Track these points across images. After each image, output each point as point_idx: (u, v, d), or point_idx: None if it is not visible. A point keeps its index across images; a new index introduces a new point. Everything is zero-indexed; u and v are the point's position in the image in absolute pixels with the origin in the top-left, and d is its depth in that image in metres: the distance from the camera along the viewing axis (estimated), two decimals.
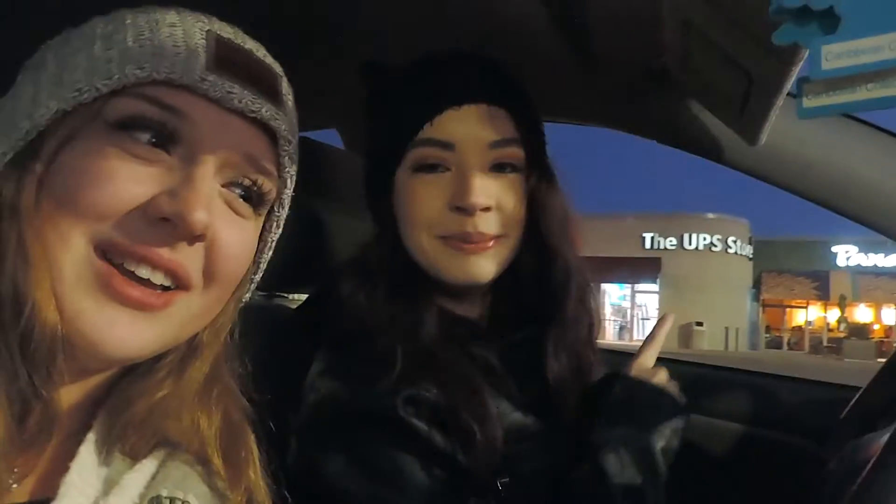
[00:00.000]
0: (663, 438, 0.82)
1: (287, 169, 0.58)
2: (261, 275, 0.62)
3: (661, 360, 1.53)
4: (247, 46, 0.55)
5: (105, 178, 0.47)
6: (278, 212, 0.60)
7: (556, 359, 0.87)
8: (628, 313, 30.99)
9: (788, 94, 0.78)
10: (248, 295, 0.62)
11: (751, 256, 29.07)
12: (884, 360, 1.01)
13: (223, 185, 0.53)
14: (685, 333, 27.11)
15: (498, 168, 0.82)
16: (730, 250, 27.83)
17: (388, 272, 0.82)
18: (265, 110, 0.53)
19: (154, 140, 0.50)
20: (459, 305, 0.87)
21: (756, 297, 29.91)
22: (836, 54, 0.41)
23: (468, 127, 0.79)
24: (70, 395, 0.51)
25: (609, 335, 30.24)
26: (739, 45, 0.77)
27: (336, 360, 0.77)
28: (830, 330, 29.55)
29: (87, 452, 0.51)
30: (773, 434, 1.26)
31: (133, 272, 0.48)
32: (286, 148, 0.57)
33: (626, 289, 30.51)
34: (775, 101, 0.80)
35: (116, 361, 0.51)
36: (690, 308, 26.91)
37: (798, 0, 0.43)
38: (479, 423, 0.75)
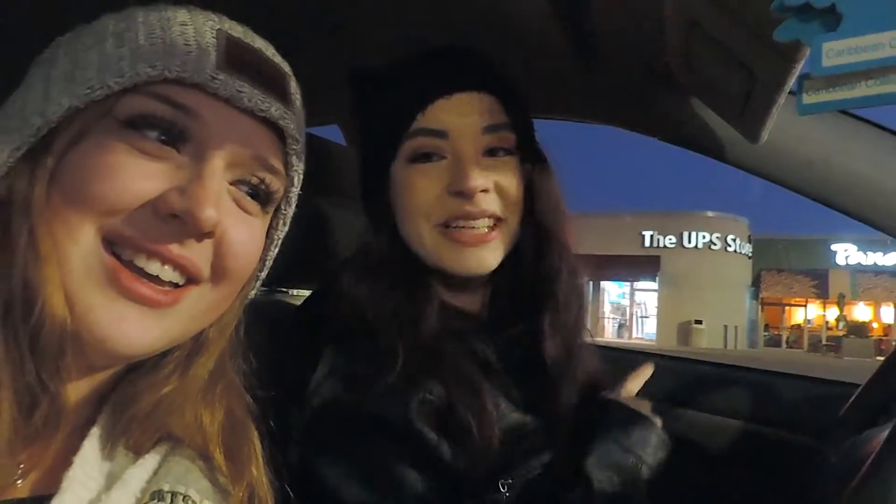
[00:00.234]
0: (649, 467, 0.84)
1: (294, 167, 0.58)
2: (266, 272, 0.62)
3: (660, 358, 1.54)
4: (256, 45, 0.55)
5: (114, 173, 0.48)
6: (285, 209, 0.61)
7: (553, 341, 0.88)
8: (627, 311, 31.01)
9: (790, 92, 0.79)
10: (254, 292, 0.62)
11: (750, 255, 29.09)
12: (882, 358, 1.02)
13: (231, 183, 0.53)
14: (684, 331, 27.14)
15: (491, 153, 0.84)
16: (729, 248, 27.85)
17: (387, 266, 0.83)
18: (274, 109, 0.54)
19: (164, 138, 0.50)
20: (459, 297, 0.88)
21: (755, 296, 29.93)
22: (837, 51, 0.42)
23: (460, 114, 0.81)
24: (77, 390, 0.51)
25: (608, 333, 30.28)
26: (742, 43, 0.77)
27: (340, 360, 0.77)
28: (829, 328, 29.57)
29: (91, 447, 0.51)
30: (774, 431, 1.26)
31: (143, 269, 0.49)
32: (294, 147, 0.57)
33: (625, 287, 30.52)
34: (777, 99, 0.80)
35: (124, 357, 0.51)
36: (689, 306, 26.93)
37: None
38: (477, 421, 0.75)
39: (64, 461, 0.50)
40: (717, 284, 27.16)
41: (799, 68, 0.67)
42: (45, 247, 0.46)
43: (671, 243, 27.95)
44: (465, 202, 0.80)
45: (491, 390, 0.80)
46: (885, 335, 27.66)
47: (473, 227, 0.82)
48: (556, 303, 0.88)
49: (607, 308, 31.20)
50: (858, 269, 29.05)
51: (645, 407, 0.90)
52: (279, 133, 0.56)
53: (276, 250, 0.62)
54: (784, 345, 30.54)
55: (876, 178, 1.04)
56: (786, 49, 0.65)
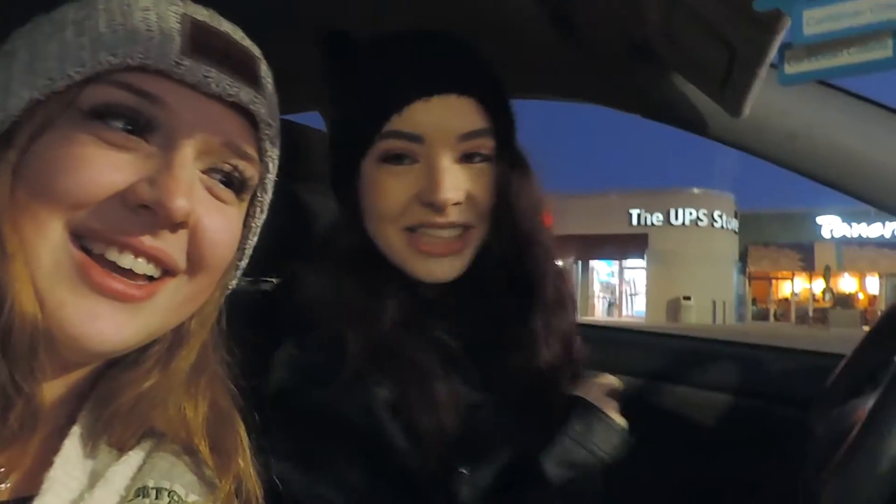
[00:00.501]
0: (608, 467, 0.85)
1: (268, 153, 0.57)
2: (246, 261, 0.61)
3: (649, 335, 1.55)
4: (223, 29, 0.54)
5: (80, 165, 0.46)
6: (261, 197, 0.59)
7: (548, 346, 0.87)
8: (616, 290, 31.21)
9: (771, 65, 0.78)
10: (234, 282, 0.61)
11: (736, 230, 29.31)
12: (868, 327, 1.03)
13: (203, 172, 0.52)
14: (673, 308, 27.38)
15: (467, 158, 0.81)
16: (716, 224, 28.05)
17: (352, 258, 0.81)
18: (243, 94, 0.52)
19: (130, 127, 0.49)
20: (422, 286, 0.85)
21: (742, 270, 30.20)
22: (818, 19, 0.41)
23: (438, 118, 0.77)
24: (53, 389, 0.50)
25: (598, 312, 30.49)
26: (721, 15, 0.76)
27: (295, 350, 0.76)
28: (816, 300, 29.92)
29: (72, 446, 0.51)
30: (761, 404, 1.27)
31: (115, 262, 0.47)
32: (267, 132, 0.56)
33: (613, 265, 30.71)
34: (758, 72, 0.79)
35: (99, 355, 0.50)
36: (678, 283, 27.15)
37: None
38: (429, 416, 0.75)
39: (44, 462, 0.49)
40: (705, 260, 27.38)
41: (779, 40, 0.67)
42: (12, 244, 0.45)
43: (658, 221, 28.10)
44: (435, 213, 0.78)
45: (449, 380, 0.79)
46: (871, 305, 28.06)
47: (441, 237, 0.80)
48: (546, 305, 0.87)
49: (597, 287, 31.38)
50: (843, 242, 29.37)
51: (612, 407, 0.90)
52: (251, 118, 0.54)
53: (255, 239, 0.61)
54: (772, 318, 30.90)
55: (859, 150, 1.04)
56: (766, 20, 0.65)
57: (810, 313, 29.18)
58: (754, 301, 31.71)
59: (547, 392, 0.88)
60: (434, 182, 0.77)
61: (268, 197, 0.60)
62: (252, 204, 0.59)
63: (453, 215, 0.79)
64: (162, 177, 0.48)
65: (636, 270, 29.94)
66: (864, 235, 29.19)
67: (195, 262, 0.51)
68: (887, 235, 28.44)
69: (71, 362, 0.50)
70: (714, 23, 0.79)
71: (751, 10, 0.45)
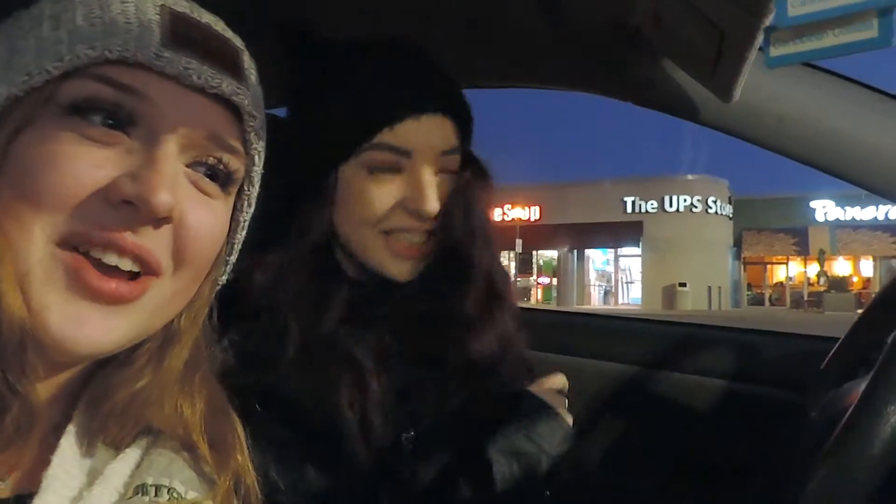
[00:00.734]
0: (550, 458, 0.89)
1: (254, 145, 0.56)
2: (236, 255, 0.61)
3: (646, 323, 1.56)
4: (204, 20, 0.53)
5: (62, 163, 0.46)
6: (248, 190, 0.58)
7: (481, 340, 0.91)
8: (612, 278, 31.30)
9: (759, 49, 0.78)
10: (224, 277, 0.61)
11: (731, 216, 29.39)
12: (863, 310, 1.03)
13: (188, 165, 0.51)
14: (669, 295, 27.47)
15: (440, 172, 0.87)
16: (710, 210, 28.11)
17: (310, 253, 0.84)
18: (226, 85, 0.51)
19: (111, 122, 0.48)
20: (368, 283, 0.90)
21: (737, 256, 30.29)
22: (802, 1, 0.41)
23: (424, 136, 0.84)
24: (45, 389, 0.50)
25: (594, 300, 30.58)
26: (709, 0, 0.76)
27: (238, 336, 0.78)
28: (811, 284, 30.06)
29: (68, 445, 0.50)
30: (757, 388, 1.28)
31: (100, 260, 0.47)
32: (251, 124, 0.55)
33: (609, 254, 30.80)
34: (747, 56, 0.79)
35: (87, 357, 0.50)
36: (673, 269, 27.23)
37: None
38: (359, 405, 0.80)
39: (42, 460, 0.49)
40: (700, 246, 27.47)
41: (768, 23, 0.66)
42: None
43: (653, 208, 28.15)
44: (415, 219, 0.85)
45: (383, 376, 0.83)
46: (865, 288, 28.18)
47: (411, 240, 0.86)
48: (500, 298, 0.93)
49: (592, 276, 31.47)
50: (837, 225, 29.47)
51: (560, 404, 0.95)
52: (235, 111, 0.54)
53: (244, 233, 0.60)
54: (767, 303, 31.04)
55: (850, 133, 1.04)
56: (753, 3, 0.64)
57: (805, 297, 29.31)
58: (750, 286, 31.83)
59: (485, 384, 0.91)
60: (422, 194, 0.84)
61: (255, 190, 0.60)
62: (239, 198, 0.58)
63: (429, 223, 0.86)
64: (144, 171, 0.47)
65: (632, 258, 30.02)
66: (857, 218, 29.28)
67: (179, 258, 0.51)
68: (881, 218, 28.54)
69: (60, 362, 0.50)
70: (702, 7, 0.78)
71: None
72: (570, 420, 0.95)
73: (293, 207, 0.86)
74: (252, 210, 0.60)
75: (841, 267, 30.51)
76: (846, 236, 29.10)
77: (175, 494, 0.52)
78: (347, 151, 0.83)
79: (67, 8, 0.49)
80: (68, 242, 0.46)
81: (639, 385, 1.37)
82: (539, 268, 31.59)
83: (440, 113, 0.85)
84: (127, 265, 0.48)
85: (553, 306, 26.71)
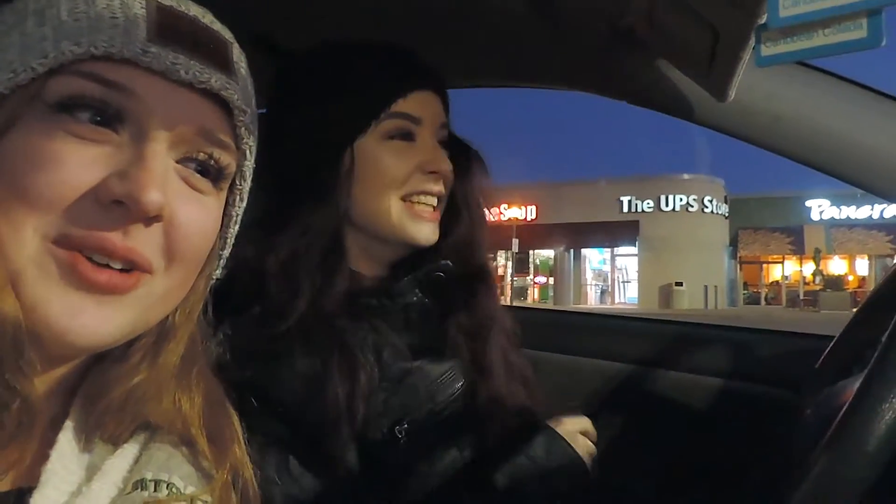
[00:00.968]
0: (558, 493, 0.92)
1: (245, 140, 0.55)
2: (229, 250, 0.60)
3: (642, 322, 1.56)
4: (191, 13, 0.52)
5: (51, 164, 0.45)
6: (240, 185, 0.58)
7: (471, 314, 0.97)
8: (609, 277, 31.32)
9: (754, 48, 0.78)
10: (218, 271, 0.60)
11: (727, 215, 29.44)
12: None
13: (178, 161, 0.51)
14: (665, 294, 27.51)
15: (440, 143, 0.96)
16: (706, 210, 28.16)
17: (320, 237, 0.87)
18: (215, 80, 0.51)
19: (99, 119, 0.47)
20: (366, 267, 0.95)
21: (733, 255, 30.35)
22: (793, 1, 0.41)
23: (430, 107, 0.93)
24: (43, 383, 0.50)
25: (591, 299, 30.60)
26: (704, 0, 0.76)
27: (230, 330, 0.77)
28: (806, 283, 30.11)
29: (66, 440, 0.50)
30: (752, 386, 1.28)
31: (91, 258, 0.47)
32: (241, 118, 0.54)
33: (605, 253, 30.80)
34: (741, 56, 0.79)
35: (85, 350, 0.50)
36: (669, 268, 27.27)
37: None
38: (347, 397, 0.81)
39: (41, 456, 0.49)
40: (696, 246, 27.51)
41: (761, 23, 0.67)
42: None
43: (649, 207, 28.19)
44: (431, 181, 0.93)
45: (371, 345, 0.86)
46: (860, 287, 28.25)
47: (428, 204, 0.94)
48: (486, 280, 1.00)
49: (589, 275, 31.49)
50: (833, 224, 29.54)
51: (581, 445, 0.96)
52: (225, 105, 0.53)
53: (237, 227, 0.60)
54: (763, 302, 31.11)
55: (845, 132, 1.05)
56: (747, 2, 0.65)
57: (801, 296, 29.37)
58: (745, 285, 31.90)
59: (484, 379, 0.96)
60: (436, 155, 0.93)
61: (247, 185, 0.59)
62: (231, 193, 0.57)
63: (441, 185, 0.95)
64: (133, 169, 0.47)
65: (628, 257, 30.05)
66: (852, 217, 29.35)
67: (171, 256, 0.50)
68: (876, 217, 28.63)
69: (56, 357, 0.49)
70: (697, 7, 0.79)
71: None
72: (587, 463, 0.95)
73: (306, 194, 0.88)
74: (244, 204, 0.60)
75: (836, 266, 30.60)
76: (842, 235, 29.17)
77: (174, 489, 0.52)
78: (366, 122, 0.89)
79: (52, 3, 0.49)
80: (61, 242, 0.46)
81: (635, 383, 1.37)
82: (535, 267, 31.60)
83: (438, 91, 0.95)
84: (117, 265, 0.48)
85: (550, 306, 26.73)
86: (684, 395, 1.32)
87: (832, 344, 1.03)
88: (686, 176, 28.97)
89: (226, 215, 0.57)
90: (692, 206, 27.89)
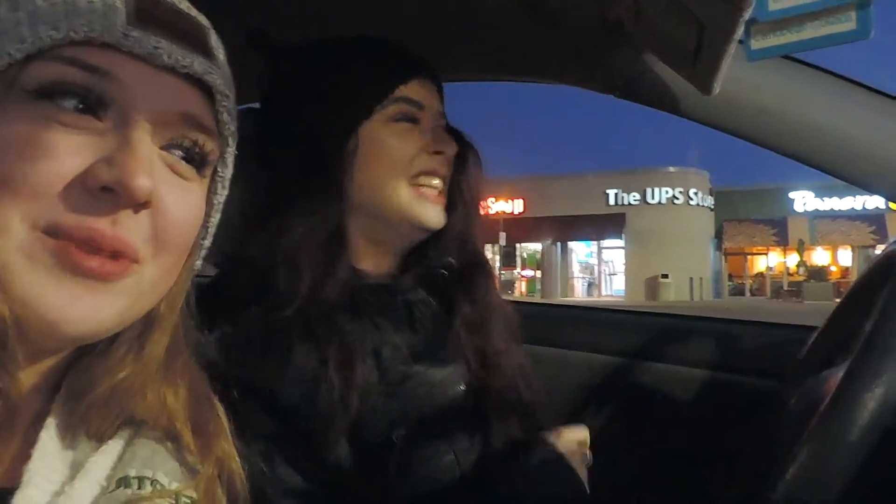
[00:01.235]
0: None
1: (227, 126, 0.55)
2: (210, 240, 0.59)
3: (629, 314, 1.57)
4: None
5: (35, 151, 0.44)
6: (222, 172, 0.57)
7: (467, 301, 0.98)
8: (595, 270, 31.47)
9: (739, 41, 0.78)
10: (199, 262, 0.59)
11: (712, 207, 29.65)
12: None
13: (162, 148, 0.50)
14: (651, 286, 27.69)
15: None
16: (692, 202, 28.34)
17: (324, 230, 0.86)
18: (197, 65, 0.50)
19: (81, 106, 0.46)
20: (374, 265, 0.95)
21: (718, 247, 30.58)
22: None
23: (430, 95, 0.94)
24: (26, 380, 0.49)
25: (578, 292, 30.73)
26: None
27: (229, 327, 0.79)
28: (790, 274, 30.42)
29: (49, 438, 0.49)
30: (738, 377, 1.30)
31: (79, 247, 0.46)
32: (224, 103, 0.54)
33: (592, 246, 30.92)
34: (727, 49, 0.79)
35: (77, 340, 0.49)
36: (656, 261, 27.45)
37: None
38: (342, 392, 0.80)
39: (22, 454, 0.48)
40: (682, 238, 27.70)
41: (747, 16, 0.67)
42: None
43: (635, 200, 28.33)
44: (436, 161, 0.93)
45: (370, 347, 0.86)
46: (843, 277, 28.58)
47: (434, 187, 0.94)
48: (486, 271, 1.02)
49: (576, 268, 31.61)
50: (816, 215, 29.82)
51: (578, 460, 0.96)
52: (206, 91, 0.52)
53: (219, 216, 0.59)
54: (748, 293, 31.38)
55: (830, 125, 1.06)
56: None
57: (785, 287, 29.68)
58: (730, 277, 32.16)
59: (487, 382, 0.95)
60: (441, 135, 0.94)
61: (229, 172, 0.58)
62: (213, 180, 0.57)
63: (447, 167, 0.96)
64: (120, 155, 0.46)
65: (615, 250, 30.19)
66: (836, 209, 29.63)
67: (159, 244, 0.50)
68: (858, 208, 28.93)
69: (41, 351, 0.49)
70: (684, 0, 0.79)
71: None
72: (584, 476, 0.95)
73: (309, 183, 0.88)
74: (227, 192, 0.59)
75: (820, 257, 30.91)
76: (825, 226, 29.46)
77: (158, 486, 0.51)
78: (370, 107, 0.90)
79: None
80: (50, 232, 0.45)
81: (622, 376, 1.38)
82: (523, 261, 31.68)
83: (431, 78, 0.95)
84: (105, 254, 0.47)
85: (537, 299, 26.80)
86: (670, 386, 1.34)
87: (816, 334, 1.04)
88: (672, 169, 29.12)
89: (208, 204, 0.57)
90: (678, 199, 28.06)
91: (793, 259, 30.30)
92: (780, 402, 0.95)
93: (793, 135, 1.08)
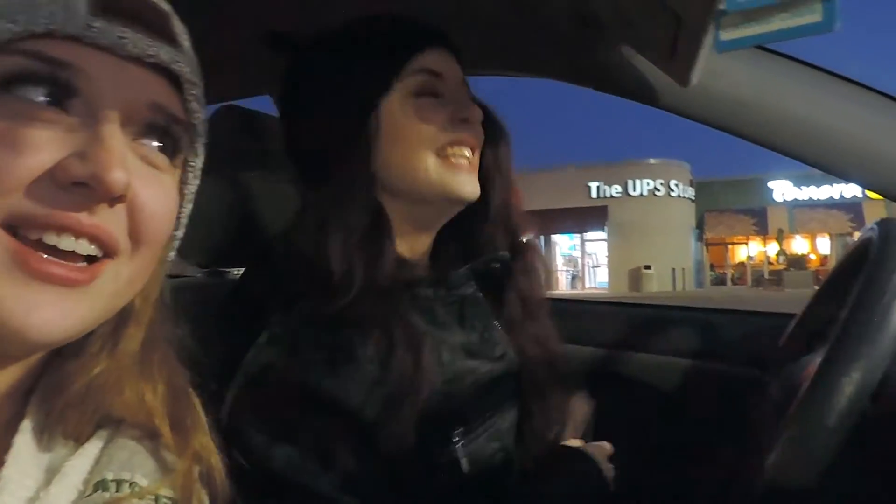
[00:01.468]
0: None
1: (196, 114, 0.54)
2: (183, 231, 0.58)
3: (611, 305, 1.58)
4: None
5: (1, 145, 0.43)
6: (193, 161, 0.56)
7: (521, 296, 0.96)
8: (579, 262, 31.61)
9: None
10: (172, 253, 0.58)
11: (692, 198, 29.87)
12: None
13: (134, 139, 0.49)
14: (634, 277, 27.87)
15: None
16: (673, 193, 28.53)
17: (355, 217, 0.84)
18: (164, 53, 0.49)
19: (47, 99, 0.45)
20: (408, 247, 0.91)
21: (699, 237, 30.84)
22: None
23: (448, 63, 0.91)
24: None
25: (562, 285, 30.86)
26: None
27: (279, 328, 0.76)
28: (770, 263, 30.76)
29: (24, 442, 0.48)
30: (718, 366, 1.31)
31: (55, 246, 0.45)
32: (192, 92, 0.53)
33: (575, 239, 31.05)
34: (703, 41, 0.80)
35: (45, 346, 0.48)
36: (638, 252, 27.63)
37: None
38: (413, 379, 0.77)
39: None
40: (664, 229, 27.90)
41: (722, 6, 0.67)
42: None
43: (617, 193, 28.47)
44: (465, 130, 0.89)
45: (432, 342, 0.83)
46: (822, 265, 28.96)
47: (465, 157, 0.89)
48: (535, 253, 0.99)
49: (559, 261, 31.73)
50: (795, 205, 30.18)
51: (608, 469, 0.97)
52: (173, 79, 0.51)
53: (191, 206, 0.58)
54: (729, 283, 31.70)
55: (807, 116, 1.07)
56: None
57: (766, 276, 30.01)
58: (712, 267, 32.47)
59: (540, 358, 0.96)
60: (464, 102, 0.90)
61: (200, 161, 0.57)
62: (184, 170, 0.56)
63: (478, 135, 0.91)
64: (93, 149, 0.45)
65: (597, 242, 30.35)
66: (814, 198, 30.01)
67: (136, 238, 0.48)
68: (836, 197, 29.31)
69: (14, 355, 0.48)
70: None
71: None
72: (609, 485, 0.96)
73: (339, 170, 0.86)
74: (198, 182, 0.58)
75: (799, 245, 31.29)
76: (803, 215, 29.82)
77: (137, 489, 0.50)
78: (389, 81, 0.86)
79: None
80: (14, 230, 0.44)
81: (606, 367, 1.39)
82: None
83: (451, 50, 0.92)
84: (84, 248, 0.46)
85: None
86: (653, 376, 1.35)
87: (794, 322, 1.06)
88: (652, 161, 29.29)
89: (180, 194, 0.56)
90: (659, 191, 28.24)
91: (773, 248, 30.65)
92: (761, 389, 0.96)
93: (770, 125, 1.09)
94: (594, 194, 28.76)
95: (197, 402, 0.57)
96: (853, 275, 0.80)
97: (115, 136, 0.46)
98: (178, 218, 0.56)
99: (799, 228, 29.90)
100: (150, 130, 0.50)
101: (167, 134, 0.51)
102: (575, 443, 1.00)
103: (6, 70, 0.44)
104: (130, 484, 0.50)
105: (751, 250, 32.11)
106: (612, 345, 1.40)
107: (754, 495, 0.68)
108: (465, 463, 0.81)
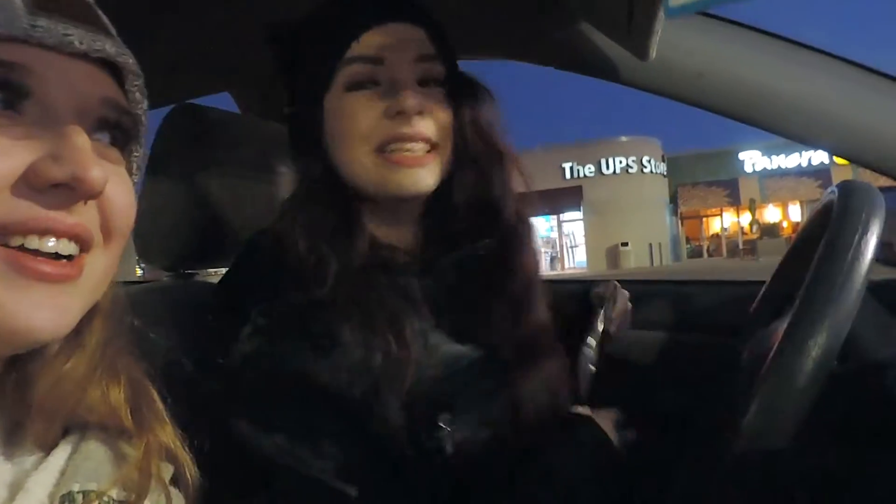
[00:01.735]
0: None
1: (140, 104, 0.54)
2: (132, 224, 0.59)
3: (590, 283, 1.58)
4: None
5: None
6: (137, 151, 0.56)
7: (509, 279, 0.90)
8: (557, 243, 31.80)
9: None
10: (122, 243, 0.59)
11: (665, 173, 30.17)
12: None
13: (88, 136, 0.48)
14: (612, 255, 28.14)
15: (423, 83, 0.85)
16: (645, 170, 28.79)
17: (317, 199, 0.83)
18: (109, 47, 0.49)
19: (1, 104, 0.44)
20: (387, 231, 0.88)
21: (674, 212, 31.19)
22: None
23: (394, 43, 0.83)
24: None
25: (541, 267, 31.03)
26: None
27: (263, 319, 0.76)
28: (744, 233, 31.22)
29: None
30: (694, 336, 1.33)
31: (38, 249, 0.44)
32: (136, 83, 0.53)
33: (552, 220, 31.19)
34: (658, 13, 0.80)
35: (42, 343, 0.47)
36: (614, 230, 27.88)
37: None
38: (396, 361, 0.76)
39: None
40: (638, 206, 28.16)
41: None
42: None
43: (591, 172, 28.65)
44: (403, 124, 0.82)
45: (417, 326, 0.81)
46: (794, 232, 29.33)
47: (410, 150, 0.83)
48: (505, 238, 0.91)
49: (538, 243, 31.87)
50: (765, 174, 30.61)
51: (615, 439, 0.93)
52: (114, 71, 0.51)
53: (137, 196, 0.57)
54: (706, 254, 32.15)
55: (764, 82, 1.08)
56: None
57: (740, 246, 30.47)
58: (688, 240, 32.88)
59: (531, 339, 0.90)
60: (398, 93, 0.82)
61: (143, 151, 0.57)
62: (129, 161, 0.56)
63: (418, 126, 0.83)
64: (65, 150, 0.44)
65: (574, 223, 30.55)
66: (783, 166, 30.46)
67: (107, 232, 0.49)
68: (804, 164, 29.77)
69: None
70: None
71: None
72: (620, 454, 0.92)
73: (302, 160, 0.86)
74: (142, 172, 0.58)
75: (771, 214, 31.79)
76: (774, 184, 30.26)
77: (106, 499, 0.49)
78: (326, 77, 0.83)
79: None
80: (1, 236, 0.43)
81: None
82: None
83: (406, 21, 0.84)
84: (65, 248, 0.45)
85: None
86: (632, 350, 1.36)
87: (763, 288, 1.07)
88: (624, 138, 29.50)
89: None
90: (632, 168, 28.47)
91: (746, 218, 31.10)
92: (734, 356, 0.97)
93: (731, 95, 1.10)
94: (568, 175, 28.91)
95: (153, 392, 0.56)
96: (817, 238, 0.81)
97: (80, 135, 0.46)
98: None
99: (770, 197, 30.35)
100: (103, 125, 0.50)
101: (117, 127, 0.51)
102: (583, 410, 0.97)
103: None
104: (97, 494, 0.49)
105: (725, 221, 32.55)
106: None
107: (731, 456, 0.69)
108: (449, 448, 0.80)
